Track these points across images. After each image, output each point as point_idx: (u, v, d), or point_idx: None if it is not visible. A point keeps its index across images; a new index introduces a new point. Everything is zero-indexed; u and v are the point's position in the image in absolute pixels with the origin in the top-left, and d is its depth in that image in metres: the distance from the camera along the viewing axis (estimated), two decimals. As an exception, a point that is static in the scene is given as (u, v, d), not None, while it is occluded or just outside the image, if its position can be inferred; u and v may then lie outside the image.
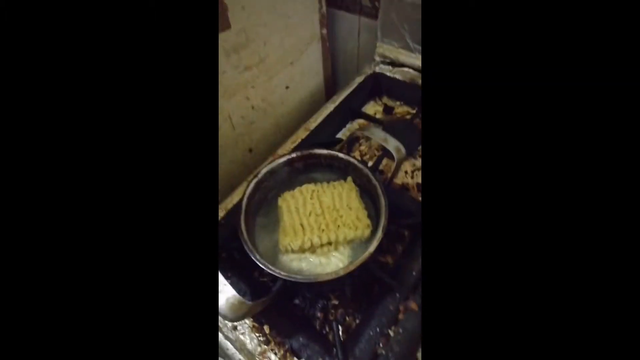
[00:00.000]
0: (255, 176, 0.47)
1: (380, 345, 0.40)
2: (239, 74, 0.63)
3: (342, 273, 0.38)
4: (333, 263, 0.45)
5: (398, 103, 0.71)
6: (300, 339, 0.41)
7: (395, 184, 0.56)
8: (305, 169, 0.52)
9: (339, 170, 0.51)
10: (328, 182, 0.50)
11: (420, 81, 0.68)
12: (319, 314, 0.45)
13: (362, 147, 0.63)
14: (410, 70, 0.71)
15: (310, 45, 0.77)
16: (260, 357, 0.42)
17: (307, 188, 0.49)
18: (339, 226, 0.45)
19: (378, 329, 0.40)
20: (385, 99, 0.72)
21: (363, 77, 0.72)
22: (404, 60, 0.71)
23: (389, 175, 0.52)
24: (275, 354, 0.42)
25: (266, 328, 0.43)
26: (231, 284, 0.45)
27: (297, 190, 0.49)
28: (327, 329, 0.44)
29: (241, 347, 0.43)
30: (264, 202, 0.51)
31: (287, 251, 0.45)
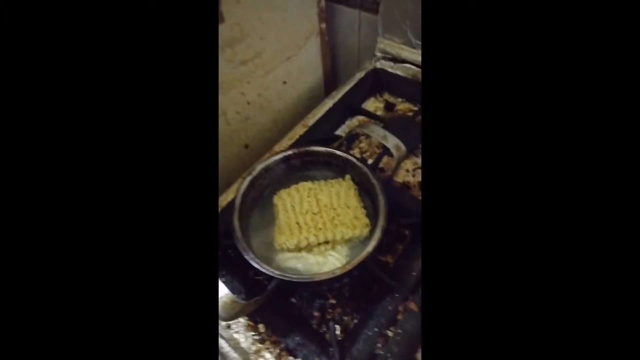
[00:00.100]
0: (250, 173, 0.46)
1: (379, 345, 0.39)
2: (233, 69, 0.62)
3: (338, 273, 0.38)
4: (330, 262, 0.44)
5: (400, 100, 0.70)
6: (296, 338, 0.41)
7: (396, 182, 0.56)
8: (302, 166, 0.51)
9: (337, 168, 0.50)
10: (326, 180, 0.49)
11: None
12: (315, 313, 0.44)
13: (362, 145, 0.62)
14: (412, 67, 0.70)
15: (309, 40, 0.76)
16: (255, 356, 0.41)
17: (304, 186, 0.48)
18: (336, 225, 0.44)
19: (376, 329, 0.40)
20: (386, 96, 0.71)
21: (364, 73, 0.71)
22: (406, 56, 0.70)
23: (389, 173, 0.51)
24: (270, 352, 0.41)
25: (261, 326, 0.43)
26: (225, 282, 0.44)
27: (293, 188, 0.48)
28: (324, 329, 0.43)
29: (235, 346, 0.42)
30: (259, 199, 0.50)
31: (282, 250, 0.44)
